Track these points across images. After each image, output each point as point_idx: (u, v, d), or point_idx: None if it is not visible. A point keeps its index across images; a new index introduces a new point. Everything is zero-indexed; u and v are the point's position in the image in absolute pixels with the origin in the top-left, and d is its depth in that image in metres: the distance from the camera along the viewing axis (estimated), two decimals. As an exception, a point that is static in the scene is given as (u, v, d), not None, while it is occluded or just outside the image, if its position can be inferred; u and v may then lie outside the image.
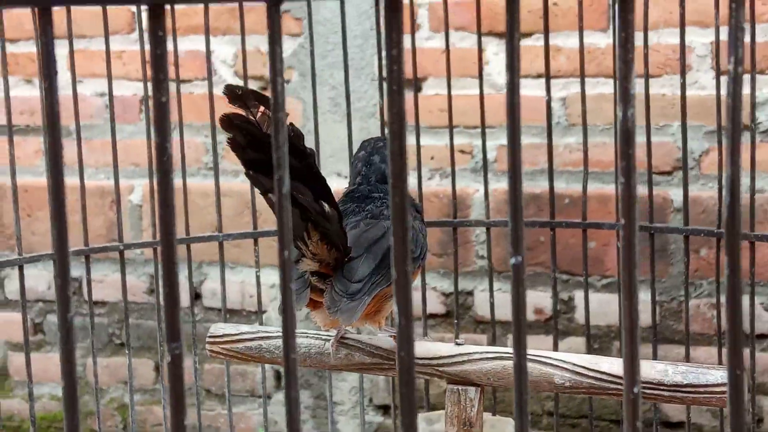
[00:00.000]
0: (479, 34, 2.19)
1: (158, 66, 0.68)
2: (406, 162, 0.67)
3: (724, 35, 2.32)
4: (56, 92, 0.68)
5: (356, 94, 2.57)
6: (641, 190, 2.31)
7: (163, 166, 0.69)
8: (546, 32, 2.12)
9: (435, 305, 2.58)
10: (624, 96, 0.68)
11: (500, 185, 2.52)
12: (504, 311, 2.36)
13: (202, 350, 2.41)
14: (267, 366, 2.72)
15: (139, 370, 2.75)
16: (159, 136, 0.68)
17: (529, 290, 2.52)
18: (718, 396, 1.53)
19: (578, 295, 2.49)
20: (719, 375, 1.54)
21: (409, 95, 2.49)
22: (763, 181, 2.36)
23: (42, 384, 2.80)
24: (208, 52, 2.25)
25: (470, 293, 2.56)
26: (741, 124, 0.71)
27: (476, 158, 2.54)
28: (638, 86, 2.31)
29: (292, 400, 0.71)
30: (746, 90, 2.36)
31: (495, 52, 2.53)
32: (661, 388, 1.56)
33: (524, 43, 2.49)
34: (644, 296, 2.35)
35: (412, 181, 2.51)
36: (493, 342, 2.28)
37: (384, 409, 2.66)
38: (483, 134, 2.22)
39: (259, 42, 2.63)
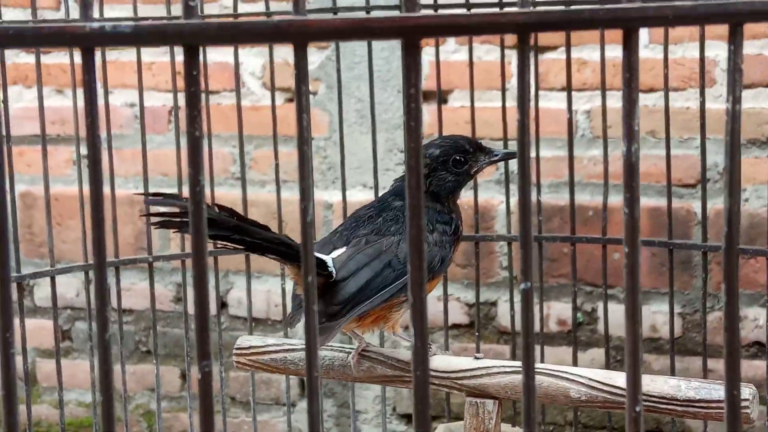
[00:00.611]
0: (502, 48, 2.21)
1: (192, 103, 0.71)
2: (422, 195, 0.70)
3: (745, 50, 2.34)
4: (97, 129, 0.71)
5: (382, 106, 2.60)
6: (663, 203, 2.33)
7: (195, 197, 0.71)
8: (568, 46, 2.14)
9: (458, 315, 2.60)
10: (629, 133, 0.70)
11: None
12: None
13: (228, 358, 2.44)
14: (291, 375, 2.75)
15: (166, 377, 2.78)
16: (192, 169, 0.71)
17: (554, 301, 2.53)
18: (721, 411, 1.56)
19: (602, 307, 2.51)
20: (723, 390, 1.55)
21: (434, 107, 2.52)
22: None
23: (69, 390, 2.84)
24: (237, 65, 2.29)
25: (494, 304, 2.58)
26: (738, 157, 0.74)
27: (500, 170, 2.56)
28: (660, 100, 2.33)
29: (314, 414, 0.74)
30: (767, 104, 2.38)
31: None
32: (675, 403, 1.60)
33: (549, 56, 2.51)
34: (665, 308, 2.37)
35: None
36: (514, 352, 2.30)
37: (407, 418, 2.68)
38: (505, 143, 2.24)
39: (287, 54, 2.66)
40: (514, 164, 2.51)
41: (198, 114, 0.71)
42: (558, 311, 2.54)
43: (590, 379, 1.64)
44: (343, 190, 2.28)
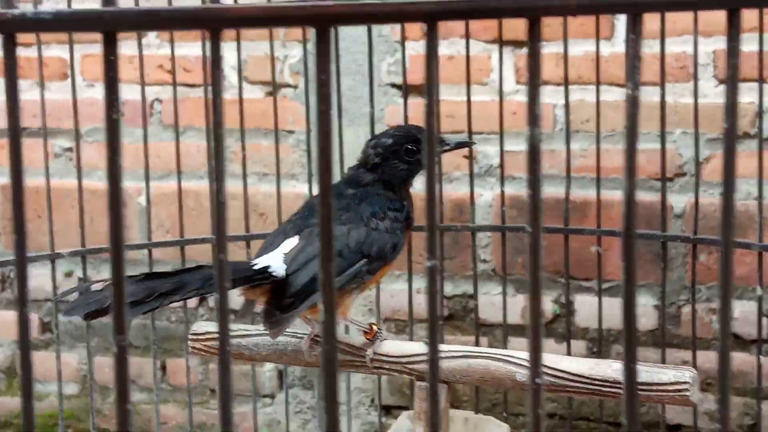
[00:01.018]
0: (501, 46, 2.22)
1: (110, 89, 0.73)
2: (332, 177, 0.73)
3: (720, 45, 2.36)
4: (18, 118, 0.72)
5: (363, 100, 2.61)
6: (643, 196, 2.35)
7: (114, 177, 0.73)
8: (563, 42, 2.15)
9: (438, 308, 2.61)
10: (531, 118, 0.73)
11: (507, 190, 2.55)
12: (510, 314, 2.39)
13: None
14: (270, 365, 2.76)
15: (145, 369, 2.79)
16: (110, 151, 0.73)
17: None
18: (670, 394, 1.62)
19: (579, 299, 2.53)
20: (672, 374, 1.62)
21: (416, 101, 2.53)
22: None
23: (49, 382, 2.84)
24: (215, 58, 2.29)
25: (472, 297, 2.60)
26: (633, 147, 0.75)
27: (480, 164, 2.58)
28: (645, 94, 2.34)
29: (226, 393, 0.75)
30: (749, 98, 2.40)
31: (499, 59, 2.57)
32: (619, 386, 1.63)
33: (527, 51, 2.52)
34: (644, 301, 2.39)
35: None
36: (497, 345, 2.32)
37: (386, 409, 2.70)
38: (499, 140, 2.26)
39: (267, 48, 2.67)
40: (493, 158, 2.53)
41: (117, 99, 0.73)
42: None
43: None
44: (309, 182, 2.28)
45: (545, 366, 1.67)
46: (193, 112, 2.61)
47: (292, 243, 1.76)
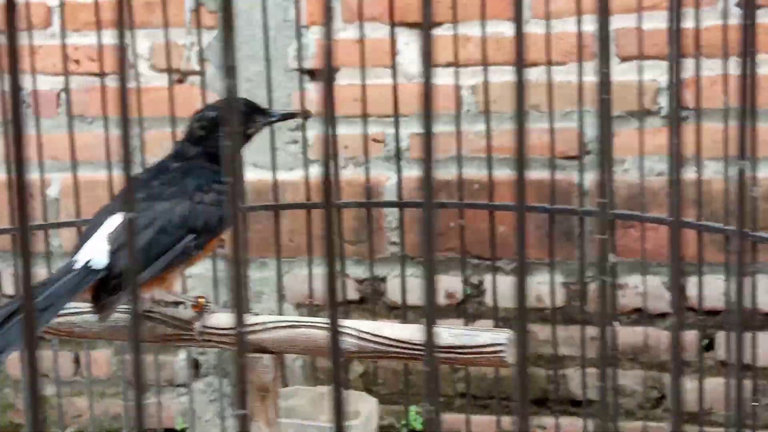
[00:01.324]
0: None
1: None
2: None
3: (622, 23, 2.38)
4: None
5: (272, 84, 2.60)
6: (547, 175, 2.37)
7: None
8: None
9: (350, 292, 2.62)
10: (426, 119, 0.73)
11: (413, 173, 2.56)
12: (417, 296, 2.40)
13: (124, 342, 2.43)
14: (182, 355, 2.75)
15: (59, 362, 2.76)
16: None
17: (442, 275, 2.56)
18: (486, 356, 1.64)
19: (488, 279, 2.54)
20: (487, 337, 1.65)
21: (322, 85, 2.53)
22: (661, 165, 2.43)
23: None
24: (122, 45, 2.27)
25: (383, 279, 2.60)
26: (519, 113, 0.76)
27: (389, 146, 2.58)
28: (543, 74, 2.36)
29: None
30: (651, 75, 2.43)
31: (406, 42, 2.58)
32: (445, 351, 1.65)
33: (435, 32, 2.53)
34: (552, 278, 2.41)
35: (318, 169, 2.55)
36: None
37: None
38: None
39: (176, 36, 2.65)
40: (403, 140, 2.53)
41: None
42: (446, 284, 2.57)
43: (360, 330, 1.71)
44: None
45: (368, 333, 1.70)
46: (99, 102, 2.58)
47: (116, 220, 1.73)
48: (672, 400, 0.99)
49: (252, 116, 1.88)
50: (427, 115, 0.72)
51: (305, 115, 1.95)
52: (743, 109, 1.19)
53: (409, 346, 1.67)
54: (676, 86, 1.11)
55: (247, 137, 1.90)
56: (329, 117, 0.74)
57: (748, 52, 1.32)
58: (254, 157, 2.64)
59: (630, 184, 2.46)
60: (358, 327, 1.72)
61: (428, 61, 0.72)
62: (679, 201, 1.18)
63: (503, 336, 1.64)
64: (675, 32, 1.04)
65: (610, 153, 2.25)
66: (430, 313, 0.72)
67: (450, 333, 1.67)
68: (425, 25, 0.73)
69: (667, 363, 2.40)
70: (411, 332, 1.69)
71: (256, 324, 1.75)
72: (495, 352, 1.63)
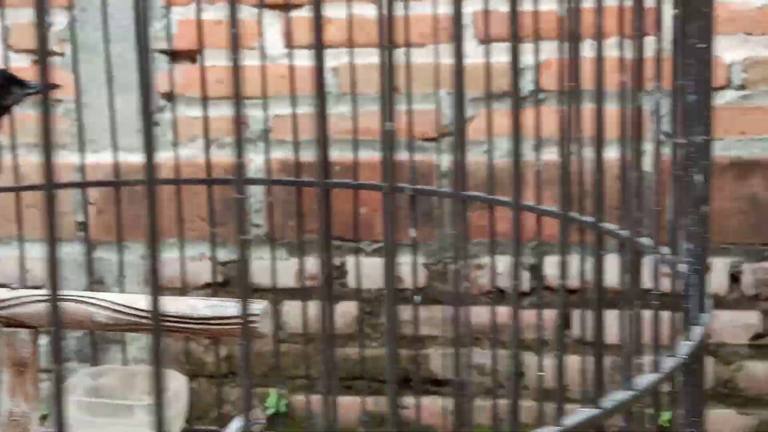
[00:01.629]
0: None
1: None
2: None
3: (479, 5, 2.41)
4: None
5: (134, 65, 2.57)
6: (406, 156, 2.39)
7: None
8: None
9: (211, 274, 2.62)
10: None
11: (276, 154, 2.56)
12: (282, 279, 2.40)
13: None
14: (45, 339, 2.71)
15: None
16: None
17: (305, 257, 2.57)
18: (237, 327, 1.65)
19: (350, 261, 2.56)
20: (237, 308, 1.65)
21: (186, 66, 2.51)
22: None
23: None
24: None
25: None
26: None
27: (251, 128, 2.58)
28: (402, 56, 2.37)
29: None
30: (506, 58, 2.46)
31: (270, 23, 2.57)
32: (191, 321, 1.68)
33: (296, 13, 2.53)
34: (410, 259, 2.44)
35: (187, 152, 2.54)
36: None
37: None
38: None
39: (31, 15, 2.60)
40: (266, 122, 2.53)
41: None
42: (308, 266, 2.57)
43: (114, 302, 1.72)
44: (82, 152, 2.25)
45: (123, 305, 1.71)
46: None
47: None
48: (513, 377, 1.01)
49: (9, 88, 1.86)
50: (321, 99, 0.72)
51: (53, 87, 1.92)
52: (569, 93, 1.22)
53: (163, 318, 1.67)
54: (515, 70, 1.13)
55: (4, 108, 1.89)
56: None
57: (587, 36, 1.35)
58: (122, 141, 2.61)
59: (486, 166, 2.49)
60: (113, 299, 1.73)
61: (320, 47, 0.72)
62: (519, 184, 1.21)
63: (257, 307, 1.64)
64: (513, 15, 1.07)
65: (464, 135, 2.28)
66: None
67: (205, 305, 1.68)
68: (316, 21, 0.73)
69: (528, 342, 2.44)
70: (164, 303, 1.68)
71: (13, 298, 1.75)
72: (249, 323, 1.63)
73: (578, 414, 1.12)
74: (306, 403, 2.44)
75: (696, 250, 1.44)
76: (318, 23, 0.75)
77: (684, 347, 1.29)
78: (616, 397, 1.17)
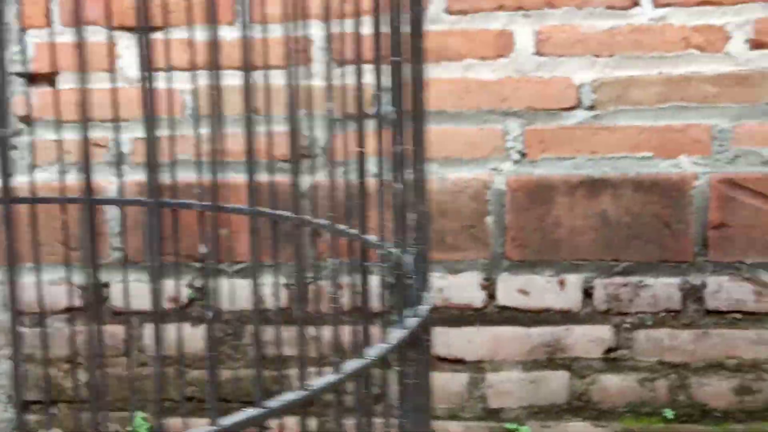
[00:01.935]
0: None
1: None
2: None
3: (337, 27, 2.44)
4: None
5: (-11, 89, 2.54)
6: (266, 178, 2.40)
7: None
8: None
9: (72, 299, 2.59)
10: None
11: (136, 177, 2.55)
12: (141, 301, 2.39)
13: None
14: None
15: None
16: None
17: (165, 279, 2.56)
18: None
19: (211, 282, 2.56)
20: None
21: (42, 90, 2.49)
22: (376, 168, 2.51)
23: None
24: None
25: (106, 285, 2.58)
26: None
27: (112, 151, 2.56)
28: (262, 78, 2.39)
29: None
30: (370, 79, 2.49)
31: (126, 46, 2.56)
32: None
33: (157, 36, 2.53)
34: (275, 281, 2.44)
35: (45, 175, 2.51)
36: (128, 332, 2.31)
37: (25, 405, 2.64)
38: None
39: None
40: (125, 145, 2.51)
41: None
42: (169, 289, 2.57)
43: None
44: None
45: None
46: None
47: None
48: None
49: None
50: (150, 120, 0.73)
51: None
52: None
53: None
54: (293, 89, 1.17)
55: None
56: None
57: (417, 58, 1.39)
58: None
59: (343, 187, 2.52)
60: None
61: (147, 64, 0.74)
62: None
63: None
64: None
65: (298, 155, 2.30)
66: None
67: None
68: (142, 31, 0.75)
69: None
70: None
71: None
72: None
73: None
74: (169, 426, 2.43)
75: (418, 242, 1.44)
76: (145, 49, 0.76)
77: (411, 321, 1.27)
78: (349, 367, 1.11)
